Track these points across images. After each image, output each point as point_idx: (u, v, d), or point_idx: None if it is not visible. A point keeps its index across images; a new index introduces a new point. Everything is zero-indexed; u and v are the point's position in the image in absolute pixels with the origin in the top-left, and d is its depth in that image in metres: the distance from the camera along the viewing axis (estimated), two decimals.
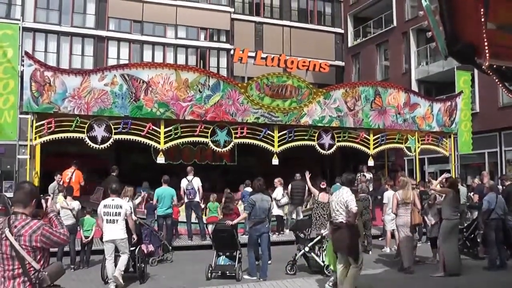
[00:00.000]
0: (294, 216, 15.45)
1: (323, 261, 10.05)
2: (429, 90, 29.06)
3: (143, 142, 13.99)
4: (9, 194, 25.89)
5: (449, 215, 9.78)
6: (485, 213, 10.48)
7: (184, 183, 13.92)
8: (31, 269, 3.86)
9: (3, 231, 3.87)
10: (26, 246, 3.85)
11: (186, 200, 13.86)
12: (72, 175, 14.02)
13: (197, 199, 13.90)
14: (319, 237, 10.44)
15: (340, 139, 16.26)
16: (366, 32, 36.18)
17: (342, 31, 38.35)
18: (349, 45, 37.18)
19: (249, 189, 14.77)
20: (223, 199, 13.45)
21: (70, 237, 10.82)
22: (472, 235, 12.06)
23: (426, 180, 17.57)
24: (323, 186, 12.82)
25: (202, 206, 14.17)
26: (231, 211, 11.10)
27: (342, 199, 7.88)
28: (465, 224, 12.77)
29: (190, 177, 13.99)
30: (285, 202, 14.99)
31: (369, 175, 16.86)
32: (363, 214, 11.54)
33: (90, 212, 11.57)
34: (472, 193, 15.03)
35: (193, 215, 14.08)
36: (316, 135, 15.92)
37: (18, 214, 3.95)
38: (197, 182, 13.98)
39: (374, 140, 16.74)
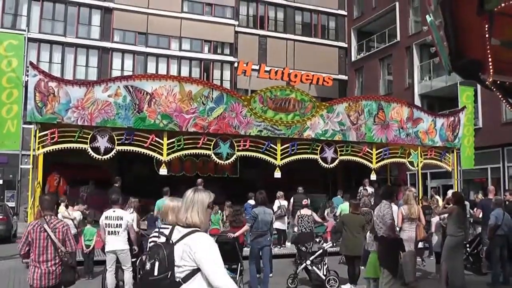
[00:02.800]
0: (295, 229, 15.37)
1: (324, 275, 10.01)
2: (432, 105, 29.10)
3: (146, 153, 14.00)
4: (11, 204, 25.93)
5: (454, 231, 9.70)
6: (491, 229, 10.41)
7: None
8: (61, 253, 5.65)
9: (42, 226, 5.64)
10: (59, 237, 5.69)
11: None
12: (60, 179, 13.96)
13: None
14: (320, 250, 10.41)
15: (343, 153, 16.23)
16: (369, 47, 36.36)
17: (346, 45, 38.55)
18: (353, 59, 37.34)
19: (251, 202, 14.72)
20: (231, 211, 13.35)
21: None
22: (475, 251, 11.99)
23: (429, 195, 17.50)
24: (305, 203, 12.92)
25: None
26: (241, 224, 11.01)
27: (380, 213, 8.00)
28: (469, 239, 12.68)
29: (200, 188, 13.90)
30: (279, 214, 14.96)
31: (371, 189, 16.80)
32: (365, 229, 11.46)
33: (92, 222, 11.57)
34: (475, 208, 14.96)
35: None
36: (319, 148, 15.90)
37: (51, 216, 5.85)
38: None
39: (377, 154, 16.70)
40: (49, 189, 14.45)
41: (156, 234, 4.60)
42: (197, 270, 3.16)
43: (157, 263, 3.11)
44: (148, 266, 3.16)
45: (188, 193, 3.44)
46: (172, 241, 3.20)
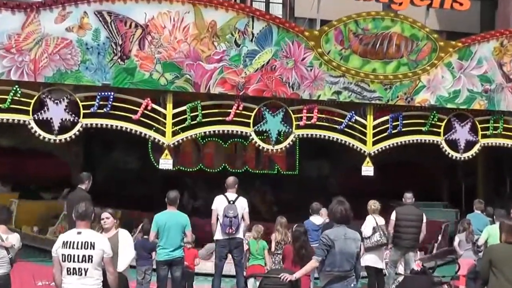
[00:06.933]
0: (400, 268, 15.02)
1: None
2: None
3: (135, 132, 14.04)
4: None
5: None
6: None
7: (220, 203, 13.27)
8: None
9: None
10: None
11: (220, 235, 13.44)
12: None
13: (241, 234, 13.53)
14: None
15: (487, 132, 15.93)
16: None
17: None
18: None
19: (317, 220, 14.40)
20: (287, 234, 13.14)
21: None
22: None
23: None
24: None
25: (246, 247, 13.87)
26: (306, 257, 10.66)
27: None
28: None
29: (231, 194, 13.49)
30: (377, 242, 14.51)
31: None
32: None
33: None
34: None
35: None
36: (443, 124, 15.65)
37: None
38: (242, 205, 13.47)
39: None
40: None
41: None
42: None
43: None
44: None
45: None
46: None
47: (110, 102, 13.79)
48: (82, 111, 13.65)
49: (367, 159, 15.19)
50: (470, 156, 15.95)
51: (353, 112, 15.18)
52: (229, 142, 18.20)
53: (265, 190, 19.11)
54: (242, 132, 14.77)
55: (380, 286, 14.67)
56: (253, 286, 11.82)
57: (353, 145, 15.28)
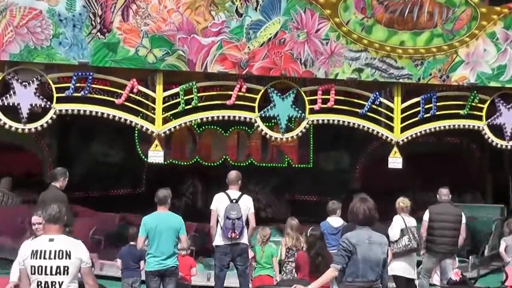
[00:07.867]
0: (436, 278, 14.74)
1: None
2: None
3: (119, 119, 13.94)
4: None
5: None
6: None
7: (221, 203, 13.16)
8: None
9: None
10: None
11: (221, 241, 13.27)
12: None
13: (245, 240, 13.30)
14: None
15: None
16: None
17: None
18: None
19: (335, 221, 14.19)
20: (299, 238, 13.05)
21: None
22: None
23: None
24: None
25: (251, 254, 13.65)
26: (323, 267, 10.47)
27: None
28: None
29: (234, 192, 13.35)
30: (405, 247, 14.25)
31: None
32: None
33: None
34: None
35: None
36: (486, 107, 15.44)
37: None
38: (246, 205, 13.29)
39: None
40: None
41: None
42: None
43: None
44: None
45: None
46: None
47: (89, 84, 13.67)
48: (55, 95, 13.51)
49: (395, 148, 15.08)
50: None
51: (377, 93, 15.08)
52: (230, 130, 18.23)
53: (274, 187, 19.00)
54: (245, 118, 14.73)
55: None
56: None
57: (377, 132, 15.21)
